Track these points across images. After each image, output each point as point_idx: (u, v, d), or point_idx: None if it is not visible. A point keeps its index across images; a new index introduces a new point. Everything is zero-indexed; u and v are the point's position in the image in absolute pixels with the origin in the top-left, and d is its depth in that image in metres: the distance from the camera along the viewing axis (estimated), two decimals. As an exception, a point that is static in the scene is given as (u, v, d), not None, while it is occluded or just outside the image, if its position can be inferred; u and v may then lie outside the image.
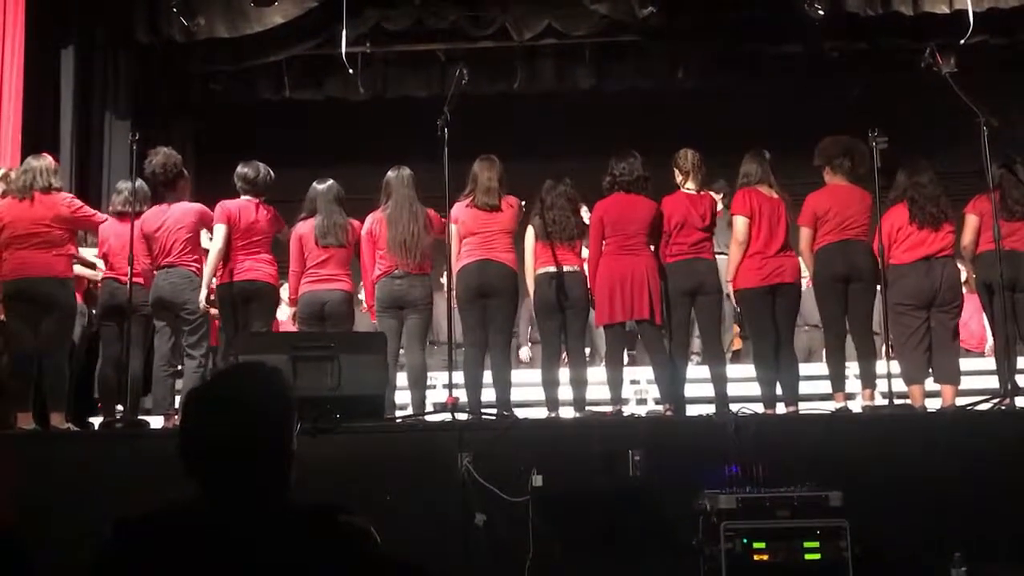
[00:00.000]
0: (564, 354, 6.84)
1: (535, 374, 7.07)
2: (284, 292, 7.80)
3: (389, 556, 2.22)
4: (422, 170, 6.80)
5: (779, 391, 6.48)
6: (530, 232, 6.75)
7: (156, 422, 6.59)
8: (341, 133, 10.05)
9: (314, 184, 6.91)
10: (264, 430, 2.14)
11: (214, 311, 6.83)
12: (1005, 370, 6.26)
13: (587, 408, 6.57)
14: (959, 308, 6.51)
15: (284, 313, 7.89)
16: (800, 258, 6.66)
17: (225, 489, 2.10)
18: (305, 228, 6.80)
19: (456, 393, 6.18)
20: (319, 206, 6.78)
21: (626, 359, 7.30)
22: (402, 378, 6.78)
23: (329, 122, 10.02)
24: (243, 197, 6.82)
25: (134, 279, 6.57)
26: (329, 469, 5.23)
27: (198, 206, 6.87)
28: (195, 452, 2.12)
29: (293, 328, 7.06)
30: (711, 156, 6.97)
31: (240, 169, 6.86)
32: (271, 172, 6.92)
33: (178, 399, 6.55)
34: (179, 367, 6.84)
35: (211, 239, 6.76)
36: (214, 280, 6.72)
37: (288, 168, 8.35)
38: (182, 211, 6.78)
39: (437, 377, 7.51)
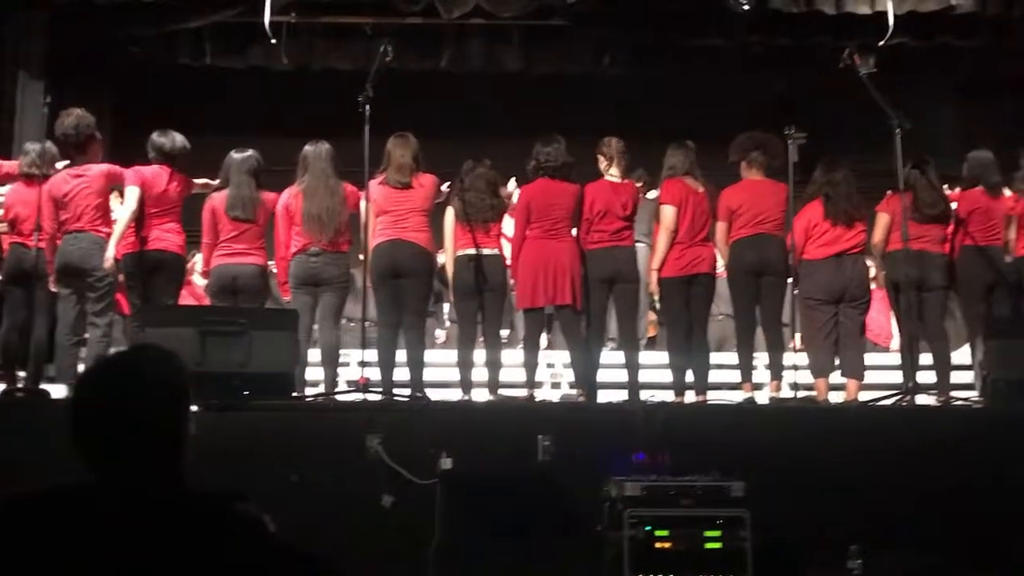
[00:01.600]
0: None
1: (451, 355, 7.07)
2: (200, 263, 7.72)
3: (282, 545, 2.19)
4: (346, 145, 6.71)
5: (691, 378, 6.57)
6: (449, 213, 6.73)
7: (59, 391, 6.42)
8: (262, 103, 9.89)
9: (231, 154, 6.77)
10: (157, 415, 2.08)
11: (121, 277, 6.69)
12: (908, 367, 6.42)
13: (501, 391, 6.58)
14: (867, 304, 6.66)
15: (202, 282, 7.80)
16: (716, 250, 6.75)
17: (114, 473, 2.05)
18: (218, 199, 6.68)
19: (368, 372, 6.14)
20: (232, 177, 6.66)
21: (544, 343, 7.34)
22: (315, 355, 6.71)
23: (251, 92, 9.85)
24: (156, 164, 6.66)
25: (40, 243, 6.40)
26: (235, 447, 5.17)
27: (106, 166, 6.70)
28: (85, 435, 2.07)
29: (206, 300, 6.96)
30: (636, 145, 7.01)
31: (155, 137, 6.71)
32: (186, 142, 6.77)
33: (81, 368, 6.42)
34: (84, 336, 6.67)
35: (122, 203, 6.60)
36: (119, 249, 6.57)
37: (207, 136, 8.20)
38: (91, 175, 6.60)
39: (351, 355, 7.46)
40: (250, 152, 6.75)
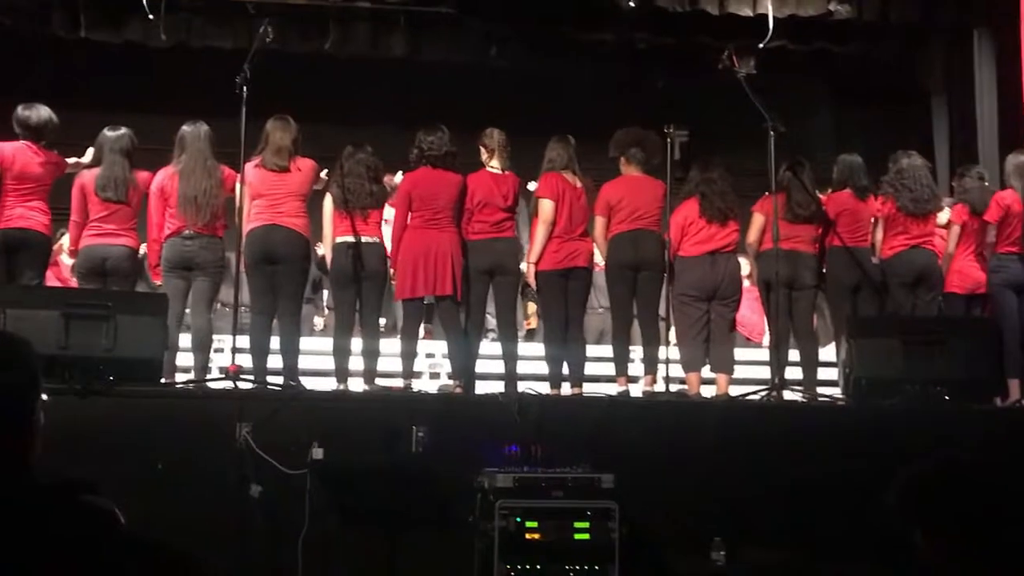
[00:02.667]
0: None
1: (328, 343, 6.98)
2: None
3: (134, 537, 2.11)
4: (223, 126, 6.56)
5: (567, 371, 6.63)
6: (328, 199, 6.64)
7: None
8: (138, 80, 9.59)
9: (104, 131, 6.56)
10: (1, 403, 1.99)
11: None
12: (776, 363, 6.59)
13: (378, 380, 6.53)
14: (737, 302, 6.83)
15: (70, 262, 7.54)
16: (594, 244, 6.81)
17: None
18: (89, 177, 6.46)
19: (241, 359, 6.03)
20: (104, 156, 6.44)
21: (422, 332, 7.31)
22: (187, 340, 6.55)
23: (126, 67, 9.53)
24: (21, 140, 6.41)
25: None
26: (99, 433, 5.06)
27: None
28: None
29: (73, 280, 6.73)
30: (519, 138, 7.02)
31: (20, 111, 6.45)
32: (54, 116, 6.52)
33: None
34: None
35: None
36: None
37: (79, 112, 7.94)
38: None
39: (225, 341, 7.30)
40: (123, 130, 6.56)
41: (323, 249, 6.89)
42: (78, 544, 1.98)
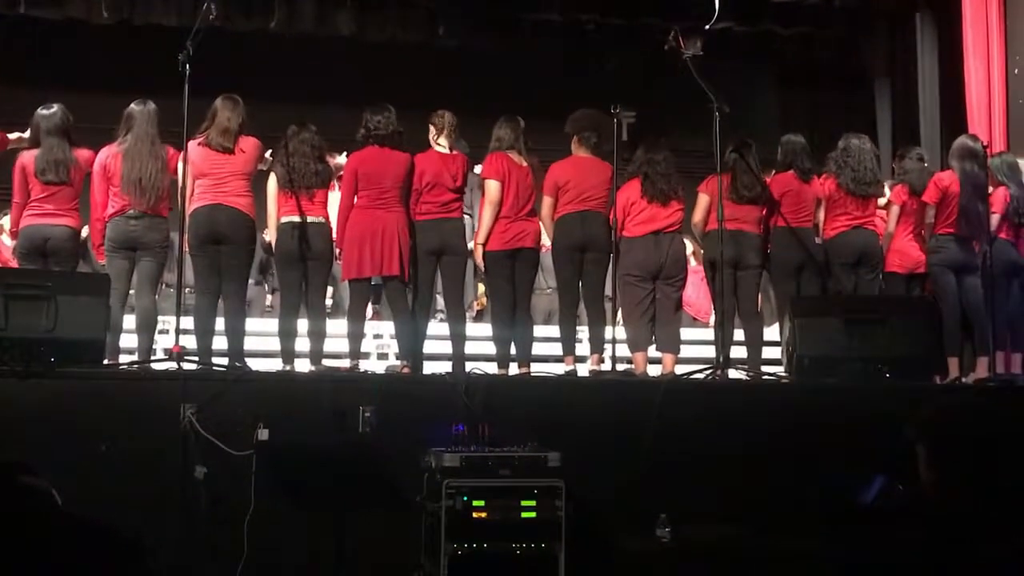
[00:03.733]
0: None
1: (273, 324, 6.93)
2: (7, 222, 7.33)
3: (72, 518, 2.11)
4: (166, 104, 6.45)
5: (515, 351, 6.65)
6: (272, 179, 6.58)
7: None
8: (80, 57, 9.43)
9: (38, 111, 6.42)
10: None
11: None
12: (720, 343, 6.66)
13: (325, 361, 6.51)
14: (683, 281, 6.87)
15: (10, 243, 7.41)
16: (542, 224, 6.82)
17: None
18: (28, 158, 6.34)
19: (185, 341, 5.98)
20: (41, 138, 6.32)
21: (370, 313, 7.29)
22: (131, 321, 6.48)
23: (67, 45, 9.37)
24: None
25: None
26: (41, 415, 5.02)
27: None
28: None
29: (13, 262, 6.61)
30: (465, 118, 7.00)
31: (-49, 92, 6.32)
32: None
33: None
34: None
35: None
36: None
37: (19, 90, 7.80)
38: None
39: (169, 322, 7.23)
40: (55, 108, 6.40)
41: (269, 235, 6.82)
42: (15, 524, 1.97)
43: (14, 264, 6.83)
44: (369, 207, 6.48)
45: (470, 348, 6.83)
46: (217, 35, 6.28)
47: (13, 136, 6.52)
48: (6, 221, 7.72)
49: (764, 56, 10.54)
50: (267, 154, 6.57)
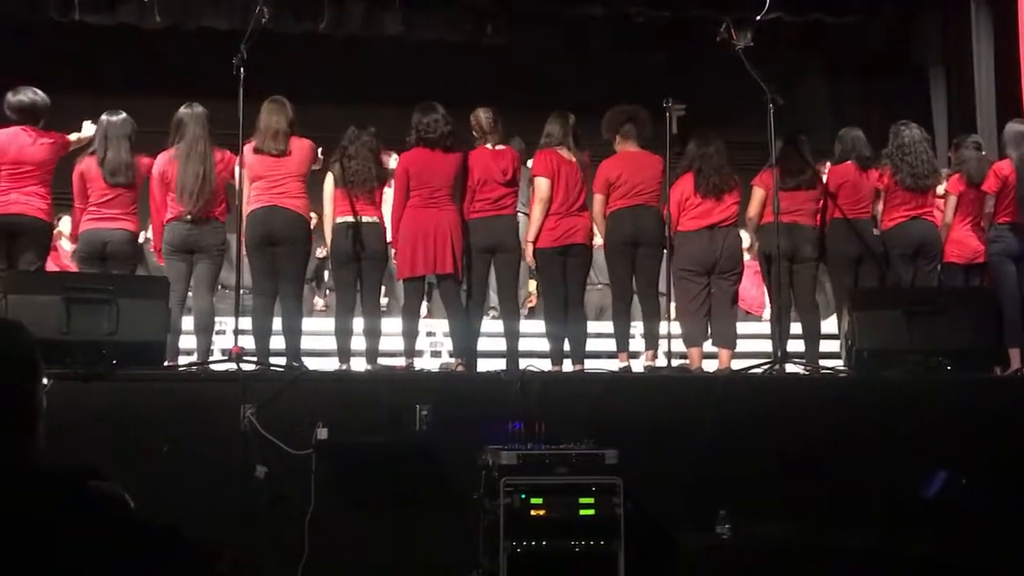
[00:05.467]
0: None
1: (329, 323, 6.98)
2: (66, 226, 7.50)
3: (143, 523, 2.11)
4: (220, 108, 6.54)
5: (568, 348, 6.63)
6: (329, 179, 6.62)
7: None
8: (133, 63, 9.55)
9: (104, 116, 6.54)
10: (4, 389, 1.98)
11: None
12: (778, 337, 6.60)
13: (380, 359, 6.54)
14: (738, 275, 6.82)
15: (70, 247, 7.56)
16: (594, 221, 6.79)
17: None
18: (88, 164, 6.45)
19: (244, 341, 6.03)
20: (108, 141, 6.43)
21: (424, 311, 7.32)
22: (189, 323, 6.56)
23: (121, 50, 9.49)
24: (16, 126, 6.39)
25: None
26: (103, 417, 5.07)
27: None
28: None
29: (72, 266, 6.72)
30: (514, 115, 6.99)
31: (10, 97, 6.44)
32: (46, 99, 6.50)
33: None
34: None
35: None
36: None
37: (72, 95, 7.90)
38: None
39: (227, 323, 7.31)
40: (124, 115, 6.57)
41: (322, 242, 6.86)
42: (88, 531, 1.98)
43: (73, 268, 6.94)
44: (421, 206, 6.50)
45: (522, 345, 6.82)
46: (267, 38, 6.32)
47: (73, 137, 6.64)
48: (64, 225, 7.85)
49: (814, 46, 10.40)
50: (319, 153, 6.62)
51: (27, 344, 2.09)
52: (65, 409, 5.08)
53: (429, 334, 7.90)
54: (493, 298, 7.42)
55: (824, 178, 7.15)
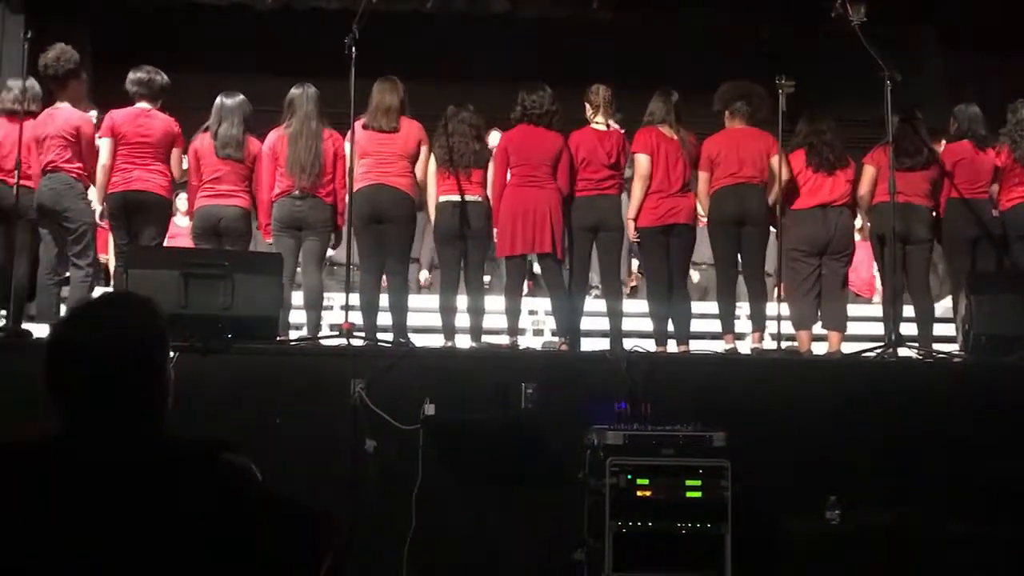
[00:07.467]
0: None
1: (434, 300, 7.04)
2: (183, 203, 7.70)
3: (270, 494, 2.15)
4: (329, 86, 6.62)
5: (672, 328, 6.58)
6: (432, 159, 6.66)
7: (40, 330, 6.38)
8: (245, 42, 9.74)
9: (220, 97, 6.66)
10: (135, 360, 2.03)
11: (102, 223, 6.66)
12: (890, 319, 6.44)
13: (484, 337, 6.58)
14: (850, 256, 6.68)
15: (186, 222, 7.76)
16: (697, 199, 6.71)
17: (91, 421, 1.99)
18: (202, 141, 6.59)
19: (352, 317, 6.12)
20: (223, 118, 6.57)
21: (525, 289, 7.34)
22: (298, 298, 6.69)
23: (233, 29, 9.68)
24: (137, 104, 6.56)
25: (23, 182, 6.29)
26: (219, 389, 5.19)
27: (80, 116, 6.56)
28: (59, 384, 2.02)
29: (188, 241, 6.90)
30: (620, 91, 6.93)
31: (132, 75, 6.58)
32: (165, 77, 6.66)
33: (63, 308, 6.39)
34: (66, 275, 6.61)
35: None
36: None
37: (186, 75, 8.08)
38: (66, 117, 6.49)
39: (335, 299, 7.43)
40: (240, 96, 6.66)
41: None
42: (218, 500, 2.03)
43: (189, 243, 7.12)
44: (521, 185, 6.49)
45: (625, 325, 6.78)
46: (374, 17, 6.38)
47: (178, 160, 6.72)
48: (182, 202, 8.06)
49: (928, 19, 10.10)
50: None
51: (160, 318, 2.14)
52: (182, 382, 5.22)
53: (531, 312, 7.92)
54: (594, 277, 7.40)
55: (939, 157, 6.95)
